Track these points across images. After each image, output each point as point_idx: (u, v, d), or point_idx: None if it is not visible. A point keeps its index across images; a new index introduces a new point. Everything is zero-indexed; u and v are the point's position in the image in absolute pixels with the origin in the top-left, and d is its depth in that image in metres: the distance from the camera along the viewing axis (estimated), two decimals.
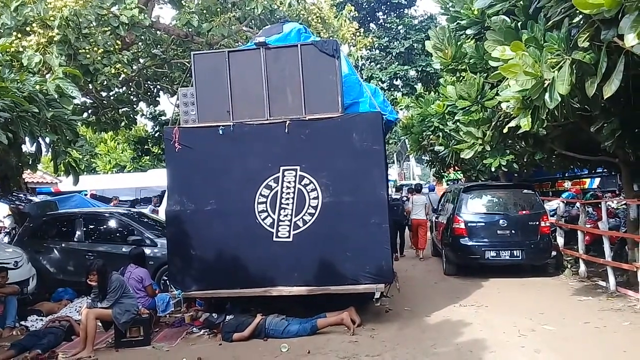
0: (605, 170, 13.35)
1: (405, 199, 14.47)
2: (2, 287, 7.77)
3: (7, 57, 8.09)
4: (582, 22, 4.90)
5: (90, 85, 10.84)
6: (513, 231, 10.07)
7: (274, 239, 7.38)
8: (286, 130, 7.35)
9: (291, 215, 7.38)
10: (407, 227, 14.02)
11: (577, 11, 4.61)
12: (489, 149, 8.44)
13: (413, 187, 15.37)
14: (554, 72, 4.97)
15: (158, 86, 14.84)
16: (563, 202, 11.87)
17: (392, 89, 28.85)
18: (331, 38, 12.64)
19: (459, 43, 7.97)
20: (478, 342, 6.24)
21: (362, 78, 15.18)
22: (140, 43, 12.89)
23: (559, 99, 4.98)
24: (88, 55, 9.80)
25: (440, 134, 12.02)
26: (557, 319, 7.07)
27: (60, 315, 8.01)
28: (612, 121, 7.11)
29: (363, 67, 28.74)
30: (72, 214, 10.82)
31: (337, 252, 7.28)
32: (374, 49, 28.76)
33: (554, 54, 5.03)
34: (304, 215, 7.36)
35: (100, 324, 6.96)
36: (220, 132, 7.48)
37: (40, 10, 9.00)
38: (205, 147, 7.59)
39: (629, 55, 4.60)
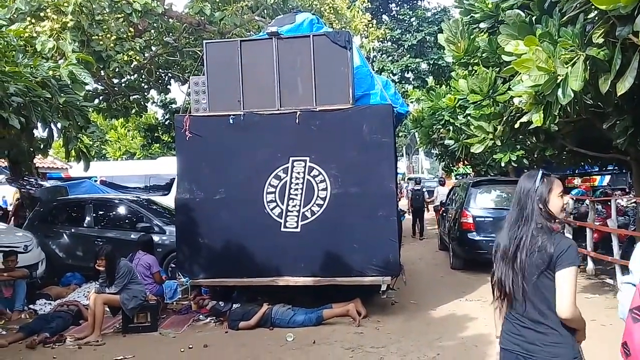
0: (616, 167, 13.27)
1: (424, 190, 17.30)
2: (12, 270, 7.85)
3: (21, 42, 8.13)
4: (597, 18, 4.85)
5: (102, 71, 10.91)
6: None
7: (282, 229, 7.40)
8: (296, 121, 7.34)
9: (299, 205, 7.39)
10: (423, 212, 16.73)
11: (593, 7, 4.56)
12: (500, 144, 8.39)
13: (438, 180, 19.83)
14: (567, 67, 4.93)
15: (169, 74, 14.87)
16: (572, 199, 11.79)
17: (404, 82, 28.68)
18: (343, 29, 12.60)
19: (472, 36, 7.92)
20: (483, 337, 6.23)
21: (374, 70, 15.14)
22: (152, 30, 12.90)
23: (572, 95, 4.94)
24: (101, 42, 9.85)
25: (451, 127, 11.98)
26: None
27: (69, 300, 8.09)
28: (624, 118, 7.05)
29: (375, 59, 28.59)
30: (82, 200, 10.89)
31: (345, 244, 7.29)
32: (386, 41, 28.56)
33: (568, 50, 4.99)
34: (313, 206, 7.37)
35: (108, 309, 7.03)
36: (231, 121, 7.49)
37: None
38: (215, 136, 7.61)
39: None
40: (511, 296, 2.59)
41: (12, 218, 12.78)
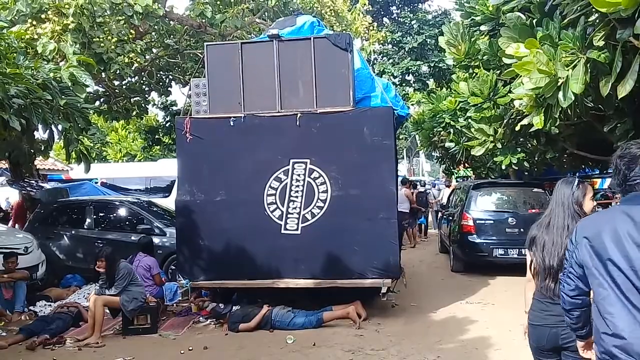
0: None
1: (427, 191, 17.97)
2: (12, 272, 7.85)
3: (22, 44, 8.15)
4: (597, 20, 4.85)
5: (103, 73, 10.92)
6: (522, 229, 10.01)
7: (282, 231, 7.40)
8: (297, 123, 7.35)
9: (300, 208, 7.39)
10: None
11: (593, 9, 4.57)
12: (500, 147, 8.40)
13: (444, 183, 20.29)
14: (568, 70, 4.93)
15: (170, 76, 14.89)
16: None
17: (404, 84, 28.69)
18: (344, 32, 12.62)
19: (472, 39, 7.93)
20: (484, 340, 6.23)
21: (374, 72, 15.11)
22: (153, 33, 12.93)
23: (573, 98, 4.94)
24: (102, 44, 9.86)
25: (451, 130, 11.96)
26: None
27: (69, 302, 8.08)
28: (625, 121, 7.04)
29: (375, 61, 28.63)
30: (83, 202, 10.89)
31: (345, 246, 7.28)
32: (386, 44, 28.61)
33: (569, 53, 4.99)
34: (313, 208, 7.37)
35: (108, 311, 7.02)
36: (232, 123, 7.50)
37: None
38: (216, 138, 7.61)
39: None
40: (550, 277, 3.11)
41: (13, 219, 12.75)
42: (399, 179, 21.20)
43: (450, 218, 11.68)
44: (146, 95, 15.15)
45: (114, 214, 10.59)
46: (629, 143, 2.43)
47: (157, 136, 28.56)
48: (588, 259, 2.37)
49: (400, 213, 14.18)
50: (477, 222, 10.28)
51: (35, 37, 8.95)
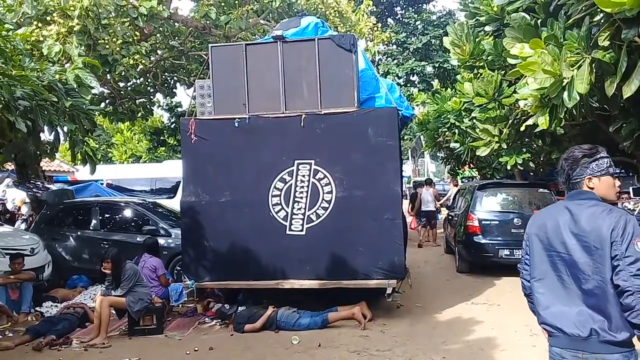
0: (623, 171, 13.20)
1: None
2: (18, 273, 7.88)
3: (28, 46, 8.18)
4: (602, 20, 4.84)
5: (108, 75, 10.96)
6: None
7: (287, 232, 7.40)
8: (301, 124, 7.35)
9: (305, 209, 7.39)
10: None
11: (598, 9, 4.56)
12: (505, 147, 8.38)
13: (451, 183, 19.36)
14: (573, 70, 4.93)
15: (175, 78, 14.94)
16: None
17: (409, 85, 28.70)
18: (349, 32, 12.62)
19: (477, 40, 7.92)
20: (489, 341, 6.22)
21: (379, 73, 15.14)
22: (158, 34, 12.98)
23: (578, 98, 4.94)
24: (107, 46, 9.90)
25: (456, 130, 11.96)
26: None
27: (75, 302, 8.11)
28: (630, 121, 7.03)
29: (380, 62, 28.64)
30: (88, 203, 10.92)
31: (350, 247, 7.28)
32: (391, 44, 28.63)
33: (574, 53, 4.99)
34: (318, 209, 7.37)
35: (114, 312, 7.05)
36: (236, 124, 7.51)
37: (60, 0, 9.10)
38: (220, 139, 7.62)
39: None
40: None
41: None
42: (420, 179, 21.19)
43: (456, 219, 11.66)
44: (151, 97, 15.21)
45: (120, 215, 10.62)
46: (573, 147, 2.80)
47: (162, 137, 28.72)
48: (534, 247, 2.73)
49: (426, 212, 14.75)
50: (483, 222, 10.25)
51: (41, 39, 8.99)
